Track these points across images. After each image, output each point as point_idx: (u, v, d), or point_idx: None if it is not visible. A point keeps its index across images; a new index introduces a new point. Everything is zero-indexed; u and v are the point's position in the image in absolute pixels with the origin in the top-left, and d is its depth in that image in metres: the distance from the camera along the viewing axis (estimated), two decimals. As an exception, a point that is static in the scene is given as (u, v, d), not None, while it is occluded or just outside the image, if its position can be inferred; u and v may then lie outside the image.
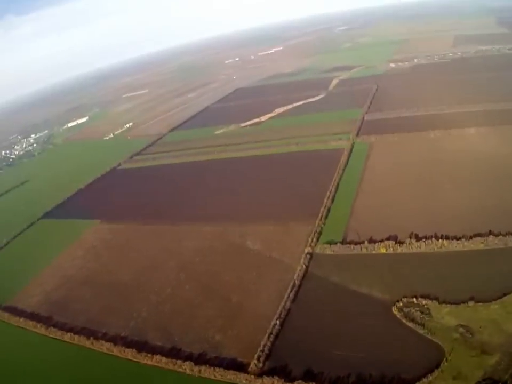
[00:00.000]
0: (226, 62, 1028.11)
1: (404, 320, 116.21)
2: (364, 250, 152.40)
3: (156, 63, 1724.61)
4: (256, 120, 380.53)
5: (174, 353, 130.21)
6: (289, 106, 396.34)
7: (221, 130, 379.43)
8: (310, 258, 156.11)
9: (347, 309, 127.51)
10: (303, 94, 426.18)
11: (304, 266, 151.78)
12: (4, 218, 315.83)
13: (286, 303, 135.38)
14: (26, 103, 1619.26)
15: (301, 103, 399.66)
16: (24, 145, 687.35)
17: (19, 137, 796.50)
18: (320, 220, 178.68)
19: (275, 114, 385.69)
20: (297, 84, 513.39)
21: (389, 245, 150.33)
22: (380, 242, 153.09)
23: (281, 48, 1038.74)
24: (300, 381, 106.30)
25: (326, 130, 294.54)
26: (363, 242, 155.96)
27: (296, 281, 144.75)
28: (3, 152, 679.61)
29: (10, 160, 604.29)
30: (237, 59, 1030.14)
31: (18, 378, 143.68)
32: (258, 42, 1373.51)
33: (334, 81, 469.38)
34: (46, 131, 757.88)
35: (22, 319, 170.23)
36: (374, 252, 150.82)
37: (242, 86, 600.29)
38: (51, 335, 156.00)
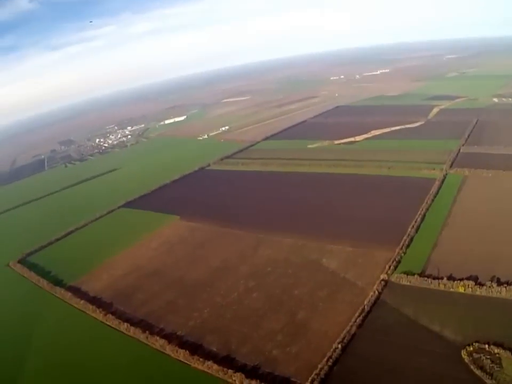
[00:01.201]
0: (332, 78, 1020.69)
1: (472, 367, 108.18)
2: (442, 287, 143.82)
3: (262, 71, 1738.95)
4: (351, 139, 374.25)
5: (227, 361, 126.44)
6: (386, 130, 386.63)
7: (315, 145, 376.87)
8: (385, 286, 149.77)
9: (413, 344, 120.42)
10: (402, 119, 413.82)
11: (377, 292, 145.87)
12: (86, 202, 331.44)
13: (351, 328, 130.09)
14: (130, 98, 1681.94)
15: (398, 127, 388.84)
16: (119, 136, 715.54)
17: (115, 127, 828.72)
18: (401, 248, 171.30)
19: (371, 135, 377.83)
20: (398, 108, 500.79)
21: (468, 285, 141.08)
22: (459, 281, 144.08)
23: (387, 70, 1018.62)
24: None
25: (420, 158, 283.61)
26: (442, 278, 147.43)
27: (366, 306, 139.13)
28: (97, 140, 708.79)
29: (103, 148, 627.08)
30: (342, 77, 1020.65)
31: (63, 360, 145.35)
32: (365, 62, 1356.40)
33: (435, 110, 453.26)
34: (143, 125, 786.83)
35: (82, 302, 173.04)
36: (451, 290, 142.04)
37: (343, 104, 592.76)
38: (108, 323, 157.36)
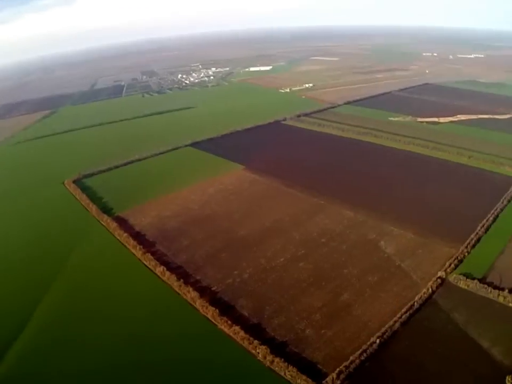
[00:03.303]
0: (424, 54, 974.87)
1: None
2: (501, 299, 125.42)
3: (355, 36, 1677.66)
4: (435, 119, 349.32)
5: (255, 330, 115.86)
6: (473, 116, 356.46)
7: (396, 119, 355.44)
8: (440, 285, 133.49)
9: (457, 357, 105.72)
10: (491, 108, 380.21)
11: (430, 290, 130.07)
12: (154, 135, 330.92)
13: (395, 324, 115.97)
14: (217, 41, 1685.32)
15: (486, 116, 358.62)
16: (201, 75, 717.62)
17: (200, 66, 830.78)
18: (466, 247, 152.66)
19: (456, 119, 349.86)
20: (489, 96, 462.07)
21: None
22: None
23: (482, 56, 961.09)
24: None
25: (503, 153, 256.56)
26: (503, 289, 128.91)
27: (415, 303, 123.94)
28: (179, 75, 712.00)
29: (183, 84, 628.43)
30: (435, 54, 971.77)
31: (90, 287, 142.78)
32: (459, 44, 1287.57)
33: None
34: (228, 68, 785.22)
35: (125, 235, 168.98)
36: (510, 305, 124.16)
37: (432, 82, 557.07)
38: (145, 262, 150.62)
